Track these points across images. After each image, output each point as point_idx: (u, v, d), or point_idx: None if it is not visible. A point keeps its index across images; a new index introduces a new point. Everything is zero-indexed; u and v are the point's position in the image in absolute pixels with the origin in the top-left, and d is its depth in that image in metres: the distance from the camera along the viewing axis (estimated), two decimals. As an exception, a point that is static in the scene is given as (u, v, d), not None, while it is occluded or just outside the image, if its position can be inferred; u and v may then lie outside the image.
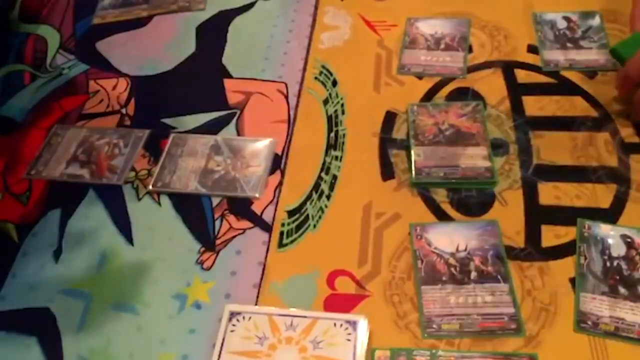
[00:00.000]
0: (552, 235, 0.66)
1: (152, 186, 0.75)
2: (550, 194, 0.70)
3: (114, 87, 0.89)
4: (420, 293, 0.62)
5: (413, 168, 0.72)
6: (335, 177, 0.74)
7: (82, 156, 0.79)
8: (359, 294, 0.63)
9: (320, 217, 0.70)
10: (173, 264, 0.68)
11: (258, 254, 0.68)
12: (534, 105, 0.79)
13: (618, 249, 0.63)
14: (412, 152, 0.74)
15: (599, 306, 0.59)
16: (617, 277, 0.61)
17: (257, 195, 0.73)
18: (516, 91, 0.81)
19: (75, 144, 0.81)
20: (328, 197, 0.72)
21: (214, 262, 0.67)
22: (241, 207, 0.72)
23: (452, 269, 0.63)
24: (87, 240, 0.71)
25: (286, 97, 0.85)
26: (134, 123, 0.84)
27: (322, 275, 0.65)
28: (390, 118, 0.80)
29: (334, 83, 0.86)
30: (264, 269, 0.66)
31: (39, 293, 0.66)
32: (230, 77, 0.89)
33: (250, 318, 0.61)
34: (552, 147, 0.74)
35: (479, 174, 0.71)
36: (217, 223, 0.71)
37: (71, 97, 0.88)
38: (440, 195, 0.71)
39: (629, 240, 0.64)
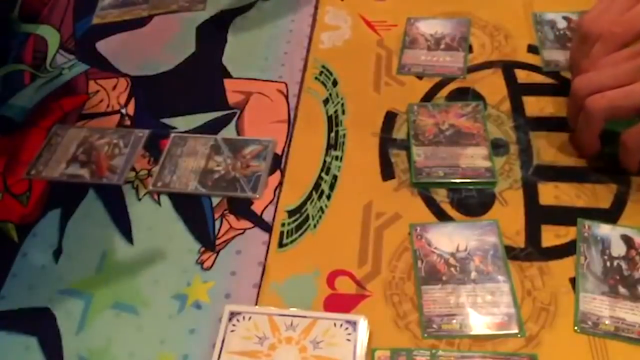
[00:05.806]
0: (552, 235, 0.66)
1: (152, 186, 0.75)
2: (550, 194, 0.70)
3: (114, 87, 0.89)
4: (420, 293, 0.62)
5: (413, 168, 0.73)
6: (335, 177, 0.74)
7: (82, 156, 0.79)
8: (359, 294, 0.63)
9: (320, 217, 0.70)
10: (173, 264, 0.68)
11: (258, 254, 0.68)
12: (534, 106, 0.79)
13: (618, 249, 0.63)
14: (413, 152, 0.74)
15: (599, 306, 0.59)
16: (617, 277, 0.61)
17: (257, 195, 0.73)
18: (516, 91, 0.81)
19: (75, 144, 0.81)
20: (328, 197, 0.72)
21: (214, 262, 0.67)
22: (241, 207, 0.72)
23: (452, 269, 0.63)
24: (87, 240, 0.71)
25: (286, 97, 0.85)
26: (134, 123, 0.84)
27: (322, 275, 0.65)
28: (390, 118, 0.80)
29: (334, 83, 0.86)
30: (264, 269, 0.66)
31: (39, 293, 0.66)
32: (230, 77, 0.89)
33: (250, 318, 0.61)
34: (553, 148, 0.74)
35: (479, 174, 0.71)
36: (217, 223, 0.71)
37: (71, 97, 0.88)
38: (440, 195, 0.71)
39: (629, 240, 0.64)
